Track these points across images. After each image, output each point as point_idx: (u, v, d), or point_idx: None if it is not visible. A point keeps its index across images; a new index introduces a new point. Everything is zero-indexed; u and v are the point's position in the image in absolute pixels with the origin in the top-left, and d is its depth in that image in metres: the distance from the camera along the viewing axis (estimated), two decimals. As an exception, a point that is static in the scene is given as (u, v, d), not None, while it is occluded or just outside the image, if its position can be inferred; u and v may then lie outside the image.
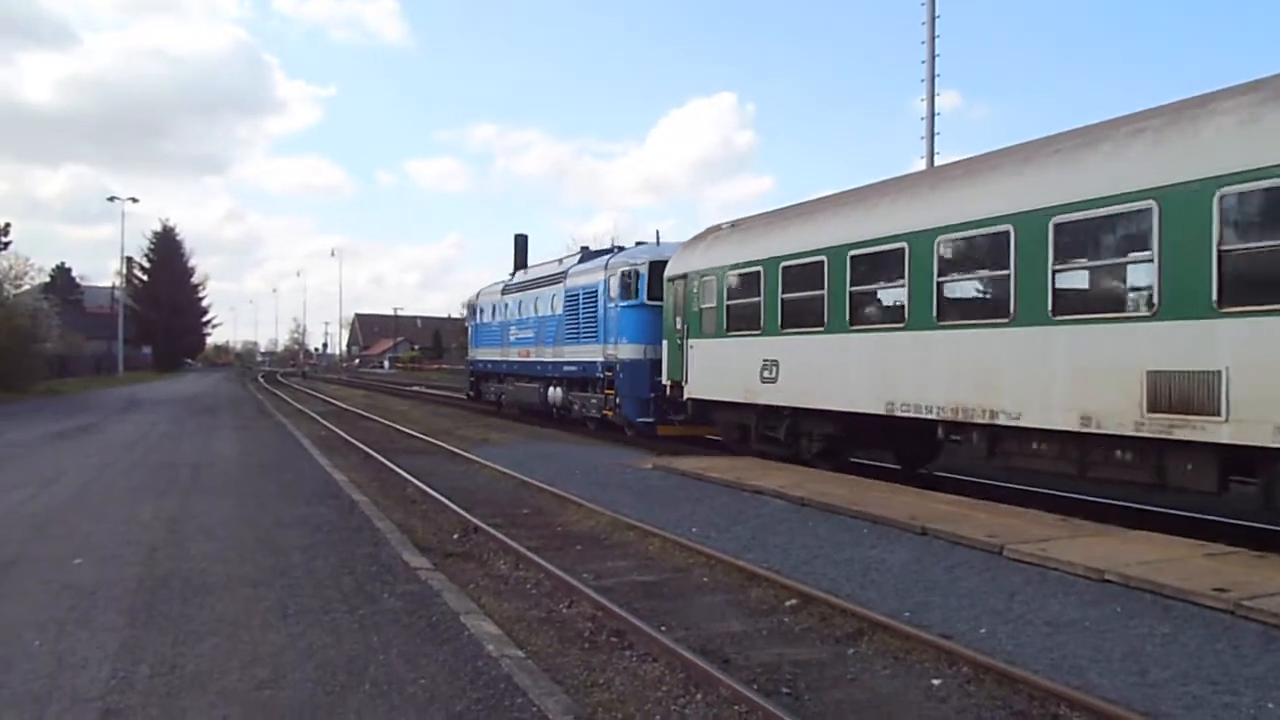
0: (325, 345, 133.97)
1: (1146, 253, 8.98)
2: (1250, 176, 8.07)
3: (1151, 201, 8.90)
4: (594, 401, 21.88)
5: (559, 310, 24.25)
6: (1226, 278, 8.26)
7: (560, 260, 26.36)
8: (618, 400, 20.36)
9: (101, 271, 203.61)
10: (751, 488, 12.88)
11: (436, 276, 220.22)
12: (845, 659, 6.27)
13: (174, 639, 6.06)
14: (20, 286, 57.30)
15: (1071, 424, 9.68)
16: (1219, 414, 8.26)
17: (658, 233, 21.85)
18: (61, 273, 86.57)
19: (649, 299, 19.71)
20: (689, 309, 17.32)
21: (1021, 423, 10.36)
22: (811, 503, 11.59)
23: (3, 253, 40.80)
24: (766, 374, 14.93)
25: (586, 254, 24.70)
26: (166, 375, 76.32)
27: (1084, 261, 9.93)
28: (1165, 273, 8.80)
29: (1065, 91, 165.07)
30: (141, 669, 5.46)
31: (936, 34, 20.26)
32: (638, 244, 22.25)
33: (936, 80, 20.50)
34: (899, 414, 12.18)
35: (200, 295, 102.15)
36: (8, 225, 36.52)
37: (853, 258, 13.12)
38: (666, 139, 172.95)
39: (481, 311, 32.70)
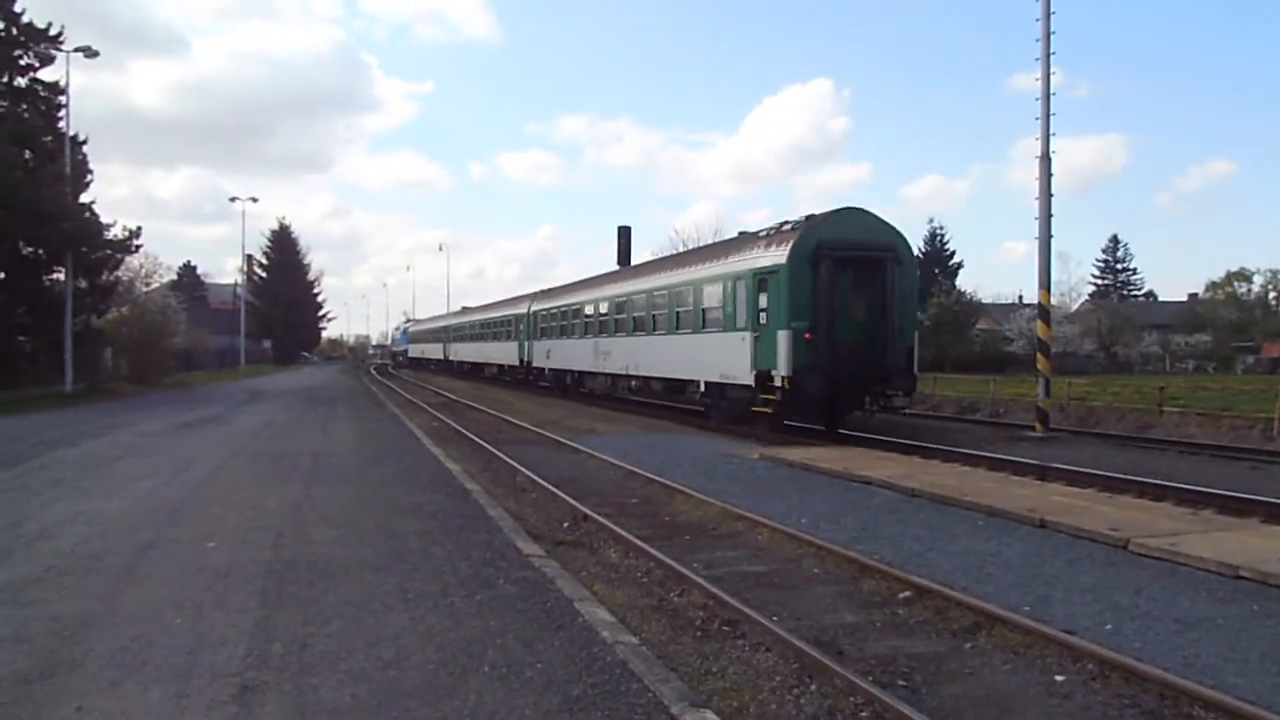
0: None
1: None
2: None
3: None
4: (406, 360, 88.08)
5: (400, 336, 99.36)
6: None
7: (402, 321, 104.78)
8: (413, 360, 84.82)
9: (219, 269, 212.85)
10: (860, 478, 12.73)
11: (535, 269, 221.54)
12: (963, 653, 6.14)
13: (303, 620, 6.31)
14: (150, 285, 60.62)
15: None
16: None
17: (413, 318, 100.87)
18: (187, 270, 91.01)
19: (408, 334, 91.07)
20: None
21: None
22: (923, 494, 11.39)
23: (134, 254, 42.96)
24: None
25: (407, 320, 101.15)
26: (284, 368, 79.30)
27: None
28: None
29: (1170, 70, 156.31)
30: (275, 647, 5.71)
31: (1052, 10, 19.53)
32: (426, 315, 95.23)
33: (1049, 59, 19.79)
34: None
35: (315, 290, 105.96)
36: (139, 229, 38.40)
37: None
38: (760, 127, 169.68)
39: (399, 330, 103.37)
